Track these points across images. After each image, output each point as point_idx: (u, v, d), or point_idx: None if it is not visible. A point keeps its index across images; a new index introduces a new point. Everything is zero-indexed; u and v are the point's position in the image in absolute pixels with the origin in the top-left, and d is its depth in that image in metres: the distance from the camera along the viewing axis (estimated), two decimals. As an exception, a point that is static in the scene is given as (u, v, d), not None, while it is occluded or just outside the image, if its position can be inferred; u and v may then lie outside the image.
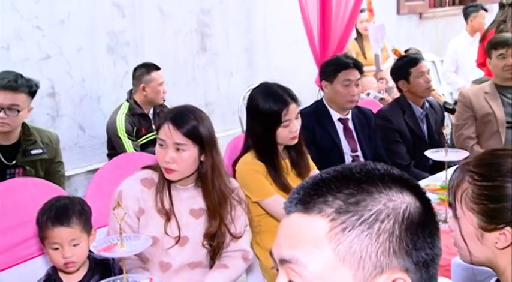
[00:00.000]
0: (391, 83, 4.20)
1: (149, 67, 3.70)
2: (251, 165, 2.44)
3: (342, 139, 3.09)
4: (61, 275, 1.94)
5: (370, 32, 4.91)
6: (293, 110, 2.45)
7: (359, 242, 0.79)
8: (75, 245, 1.90)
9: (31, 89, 2.75)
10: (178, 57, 4.46)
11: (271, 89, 2.48)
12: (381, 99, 4.36)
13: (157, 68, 3.73)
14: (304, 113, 2.61)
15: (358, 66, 3.11)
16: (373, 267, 0.79)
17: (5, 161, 2.76)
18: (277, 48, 5.15)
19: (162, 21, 4.36)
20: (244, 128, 2.95)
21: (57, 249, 1.89)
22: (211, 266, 2.22)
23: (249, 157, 2.48)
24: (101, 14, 3.95)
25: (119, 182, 2.17)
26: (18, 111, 2.71)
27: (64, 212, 1.92)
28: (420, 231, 0.82)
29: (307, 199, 0.83)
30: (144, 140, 3.67)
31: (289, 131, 2.45)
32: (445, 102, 4.45)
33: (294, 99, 2.47)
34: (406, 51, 4.78)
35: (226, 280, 2.16)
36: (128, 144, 3.56)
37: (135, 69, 3.74)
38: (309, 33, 4.34)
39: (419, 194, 0.85)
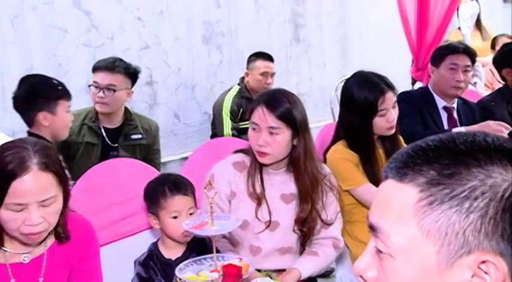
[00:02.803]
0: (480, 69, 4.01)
1: (258, 55, 3.85)
2: (342, 154, 2.40)
3: (446, 128, 2.97)
4: (162, 250, 2.00)
5: (460, 10, 4.69)
6: (390, 98, 2.37)
7: (446, 218, 0.75)
8: (191, 214, 1.96)
9: (128, 71, 2.89)
10: (272, 48, 4.49)
11: (366, 77, 2.41)
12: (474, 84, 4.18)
13: (266, 58, 3.83)
14: (411, 93, 2.51)
15: (469, 53, 2.98)
16: (460, 246, 0.75)
17: (109, 142, 2.91)
18: (371, 38, 5.05)
19: (256, 12, 4.40)
20: (336, 118, 2.91)
21: (175, 217, 1.95)
22: (301, 253, 2.21)
23: (340, 146, 2.43)
24: (197, 4, 4.06)
25: (210, 166, 2.21)
26: (115, 91, 2.85)
27: (182, 182, 2.01)
28: None
29: (403, 166, 0.80)
30: (247, 124, 3.76)
31: (386, 120, 2.37)
32: None
33: (390, 87, 2.38)
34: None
35: (315, 267, 2.14)
36: (227, 124, 3.69)
37: (250, 55, 3.90)
38: (405, 22, 4.20)
39: None
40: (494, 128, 2.81)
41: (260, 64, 3.83)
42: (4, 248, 1.62)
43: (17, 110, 2.54)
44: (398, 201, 0.79)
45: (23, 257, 1.64)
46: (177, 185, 1.98)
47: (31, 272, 1.64)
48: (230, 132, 3.71)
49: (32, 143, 1.57)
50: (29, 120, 2.49)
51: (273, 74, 3.89)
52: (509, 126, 2.93)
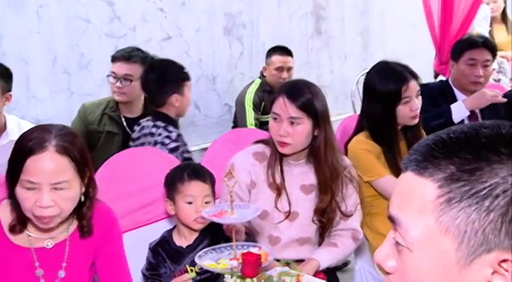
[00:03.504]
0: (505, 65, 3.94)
1: (275, 50, 3.86)
2: (363, 145, 2.38)
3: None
4: (175, 238, 2.02)
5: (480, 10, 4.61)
6: (413, 86, 2.34)
7: (465, 216, 0.73)
8: (206, 203, 1.98)
9: (145, 60, 2.92)
10: (293, 40, 4.48)
11: (389, 66, 2.39)
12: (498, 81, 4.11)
13: (283, 53, 3.82)
14: (428, 86, 2.48)
15: (488, 47, 2.93)
16: (479, 244, 0.73)
17: (129, 132, 2.94)
18: (393, 31, 5.01)
19: (277, 4, 4.39)
20: (357, 111, 2.90)
21: (190, 203, 1.97)
22: (319, 244, 2.21)
23: (362, 137, 2.41)
24: (219, -5, 4.06)
25: (230, 156, 2.22)
26: (131, 81, 2.87)
27: (200, 169, 2.05)
28: None
29: (423, 159, 0.78)
30: (268, 117, 3.76)
31: (410, 108, 2.34)
32: None
33: (414, 76, 2.36)
34: None
35: (334, 258, 2.15)
36: (250, 114, 3.71)
37: (268, 50, 3.92)
38: (429, 15, 4.15)
39: None
40: (490, 94, 2.82)
41: (275, 59, 3.82)
42: (28, 232, 1.65)
43: (147, 93, 2.78)
44: (417, 195, 0.77)
45: (46, 242, 1.67)
46: (196, 171, 2.01)
47: (54, 257, 1.67)
48: (253, 122, 3.73)
49: (58, 127, 1.61)
50: (160, 102, 2.69)
51: (289, 68, 3.86)
52: (500, 91, 2.96)
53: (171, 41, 3.87)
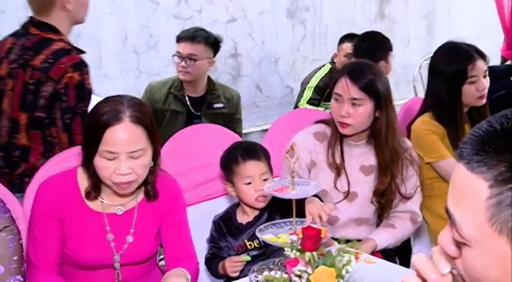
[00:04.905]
0: None
1: (346, 37, 3.84)
2: (428, 125, 2.36)
3: None
4: (238, 214, 2.06)
5: None
6: (480, 66, 2.31)
7: None
8: (264, 180, 1.97)
9: (208, 40, 2.98)
10: (356, 23, 4.45)
11: (456, 45, 2.37)
12: None
13: (353, 40, 3.79)
14: (494, 68, 2.42)
15: None
16: None
17: (193, 111, 3.03)
18: (460, 15, 4.88)
19: (341, -14, 4.37)
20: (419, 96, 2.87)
21: (249, 184, 1.98)
22: (377, 225, 2.22)
23: (427, 117, 2.39)
24: (283, -22, 4.08)
25: (291, 136, 2.25)
26: (195, 61, 2.95)
27: (253, 148, 2.04)
28: None
29: (474, 153, 0.75)
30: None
31: (476, 88, 2.32)
32: None
33: (481, 55, 2.32)
34: None
35: (392, 239, 2.15)
36: (308, 92, 3.70)
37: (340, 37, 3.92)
38: (499, -1, 4.04)
39: None
40: None
41: (345, 46, 3.81)
42: (101, 199, 1.75)
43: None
44: (470, 193, 0.75)
45: (117, 209, 1.77)
46: (248, 151, 2.00)
47: (124, 223, 1.77)
48: (305, 105, 3.71)
49: (128, 98, 1.68)
50: None
51: None
52: None
53: (236, 23, 3.93)
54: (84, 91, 2.14)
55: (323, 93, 3.78)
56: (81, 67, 2.14)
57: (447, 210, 0.79)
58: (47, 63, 2.12)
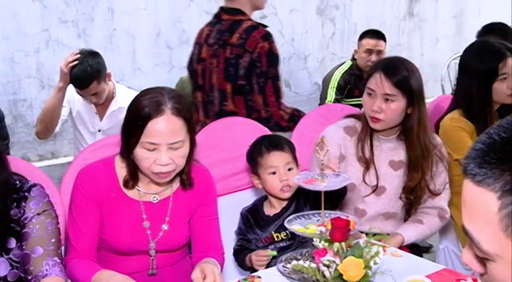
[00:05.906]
0: None
1: (366, 33, 3.85)
2: (457, 122, 2.37)
3: None
4: (265, 206, 2.08)
5: None
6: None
7: None
8: (289, 170, 2.00)
9: None
10: (385, 22, 4.45)
11: (486, 43, 2.38)
12: None
13: (374, 36, 3.79)
14: None
15: None
16: None
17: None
18: (489, 15, 4.83)
19: (371, -15, 4.38)
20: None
21: (274, 173, 2.00)
22: (405, 220, 2.23)
23: (456, 114, 2.39)
24: (314, -24, 4.11)
25: (321, 130, 2.26)
26: None
27: (276, 139, 2.07)
28: None
29: (477, 166, 0.75)
30: (355, 101, 3.74)
31: (507, 86, 2.32)
32: None
33: None
34: None
35: (419, 235, 2.16)
36: (331, 93, 3.71)
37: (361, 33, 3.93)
38: (531, -2, 4.00)
39: None
40: None
41: (365, 42, 3.81)
42: (138, 188, 1.80)
43: None
44: (480, 207, 0.75)
45: (153, 197, 1.81)
46: (272, 142, 2.03)
47: (159, 211, 1.81)
48: (331, 102, 3.71)
49: (168, 90, 1.72)
50: None
51: (379, 52, 3.80)
52: None
53: (266, 19, 3.95)
54: (273, 56, 2.57)
55: (343, 91, 3.79)
56: (268, 37, 2.57)
57: (463, 228, 0.79)
58: (241, 39, 2.56)
